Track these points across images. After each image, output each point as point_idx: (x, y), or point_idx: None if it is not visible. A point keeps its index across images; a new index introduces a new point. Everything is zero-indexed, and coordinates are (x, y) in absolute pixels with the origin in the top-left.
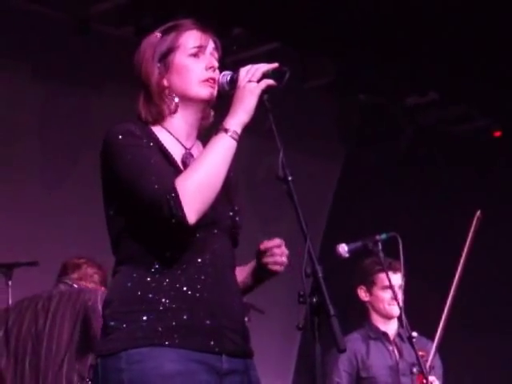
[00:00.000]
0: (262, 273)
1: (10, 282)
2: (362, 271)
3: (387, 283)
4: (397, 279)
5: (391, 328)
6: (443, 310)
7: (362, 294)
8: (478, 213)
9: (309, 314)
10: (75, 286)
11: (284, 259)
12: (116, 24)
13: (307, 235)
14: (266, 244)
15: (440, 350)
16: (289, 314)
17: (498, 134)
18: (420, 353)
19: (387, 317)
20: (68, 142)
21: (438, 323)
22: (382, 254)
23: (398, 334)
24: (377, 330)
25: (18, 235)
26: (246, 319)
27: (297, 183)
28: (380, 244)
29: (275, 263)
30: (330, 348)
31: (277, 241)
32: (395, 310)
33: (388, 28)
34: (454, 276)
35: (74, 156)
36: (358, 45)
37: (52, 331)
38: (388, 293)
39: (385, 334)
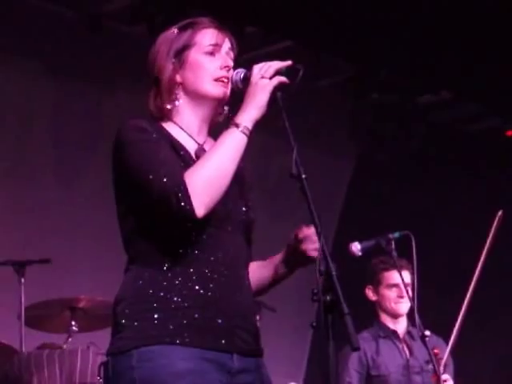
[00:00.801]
0: (296, 261)
1: (22, 280)
2: (368, 272)
3: (392, 281)
4: (403, 277)
5: (400, 326)
6: (459, 310)
7: (370, 293)
8: (500, 213)
9: (322, 312)
10: None
11: (316, 246)
12: (128, 22)
13: (321, 233)
14: (304, 231)
15: (455, 349)
16: (300, 312)
17: (510, 133)
18: (435, 350)
19: (395, 315)
20: (80, 140)
21: (454, 322)
22: (394, 253)
23: (408, 332)
24: (386, 328)
25: (30, 233)
26: (257, 317)
27: (309, 182)
28: (393, 242)
29: (314, 249)
30: (341, 347)
31: (313, 228)
32: (402, 308)
33: (400, 27)
34: (472, 276)
35: (86, 153)
36: (370, 44)
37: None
38: (394, 291)
39: (394, 333)
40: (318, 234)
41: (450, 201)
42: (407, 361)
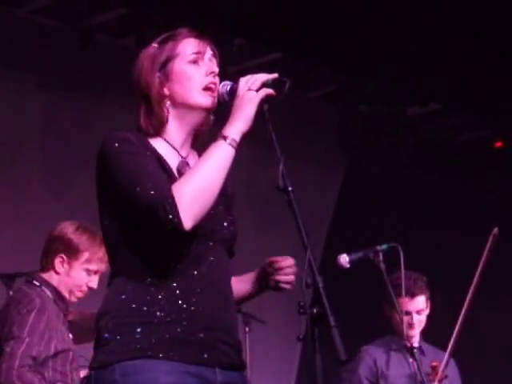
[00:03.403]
0: (268, 285)
1: (11, 293)
2: (385, 290)
3: (404, 309)
4: (414, 305)
5: (412, 342)
6: (455, 323)
7: (386, 310)
8: (495, 230)
9: (309, 325)
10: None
11: (291, 278)
12: (117, 34)
13: (307, 246)
14: (280, 263)
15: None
16: (289, 325)
17: (499, 144)
18: (433, 363)
19: (406, 337)
20: (70, 152)
21: (449, 335)
22: (383, 265)
23: (419, 348)
24: (398, 342)
25: (19, 245)
26: (247, 329)
27: (298, 193)
28: (381, 254)
29: (287, 283)
30: (330, 358)
31: (290, 260)
32: (412, 333)
33: (389, 39)
34: (468, 290)
35: (75, 166)
36: (359, 55)
37: None
38: (405, 317)
39: (406, 347)
40: (305, 246)
41: (438, 212)
42: (415, 375)
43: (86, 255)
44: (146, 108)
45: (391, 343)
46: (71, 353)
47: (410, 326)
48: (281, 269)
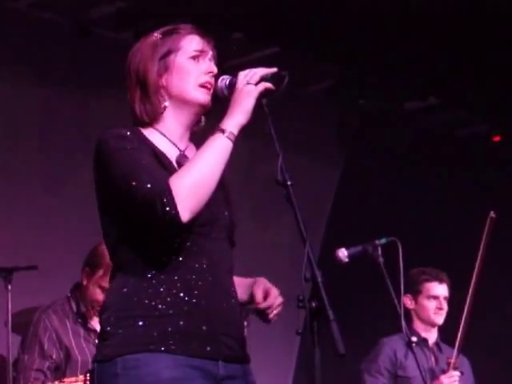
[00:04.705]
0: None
1: (9, 286)
2: (408, 280)
3: (433, 293)
4: (443, 290)
5: (432, 336)
6: (462, 312)
7: (408, 302)
8: (492, 213)
9: (308, 319)
10: None
11: (277, 312)
12: (116, 28)
13: (306, 240)
14: (261, 305)
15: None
16: (288, 319)
17: (497, 138)
18: (449, 360)
19: (431, 325)
20: (68, 146)
21: (456, 327)
22: (381, 259)
23: (436, 343)
24: (418, 335)
25: (17, 239)
26: (245, 323)
27: (296, 187)
28: (380, 248)
29: (269, 321)
30: (329, 352)
31: (270, 300)
32: (439, 319)
33: (388, 33)
34: (467, 283)
35: (74, 159)
36: (358, 50)
37: None
38: (433, 302)
39: (425, 340)
40: (304, 240)
41: (437, 207)
42: (432, 369)
43: (100, 272)
44: (141, 94)
45: (410, 336)
46: (79, 363)
47: (439, 310)
48: (267, 309)
